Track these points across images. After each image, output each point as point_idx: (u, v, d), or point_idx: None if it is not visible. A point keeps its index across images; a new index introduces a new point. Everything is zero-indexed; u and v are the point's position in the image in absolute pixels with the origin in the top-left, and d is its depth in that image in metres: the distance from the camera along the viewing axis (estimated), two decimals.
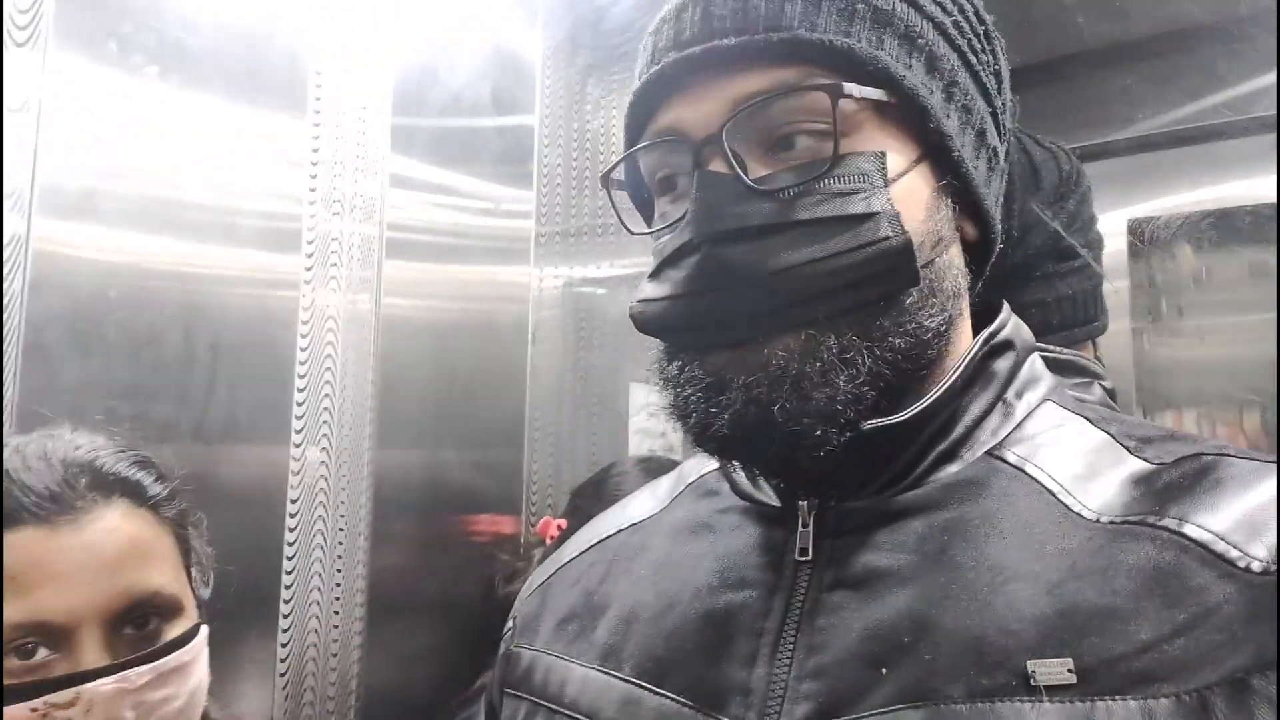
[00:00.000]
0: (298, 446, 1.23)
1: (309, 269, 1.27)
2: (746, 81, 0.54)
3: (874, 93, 0.53)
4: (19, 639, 0.68)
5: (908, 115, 0.55)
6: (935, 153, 0.56)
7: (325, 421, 1.28)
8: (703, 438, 0.54)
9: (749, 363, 0.52)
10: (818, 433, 0.51)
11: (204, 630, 0.79)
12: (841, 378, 0.51)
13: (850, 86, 0.53)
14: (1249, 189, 1.56)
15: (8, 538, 0.69)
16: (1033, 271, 0.85)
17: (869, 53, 0.54)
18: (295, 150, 1.25)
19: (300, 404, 1.24)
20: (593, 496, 1.41)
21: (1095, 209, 0.92)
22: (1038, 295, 0.86)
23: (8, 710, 0.67)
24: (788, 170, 0.54)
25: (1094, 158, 0.96)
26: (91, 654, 0.70)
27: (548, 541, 1.42)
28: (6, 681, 0.67)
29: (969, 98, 0.58)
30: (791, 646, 0.51)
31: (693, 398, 0.54)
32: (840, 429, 0.51)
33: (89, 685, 0.68)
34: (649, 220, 0.65)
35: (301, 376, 1.25)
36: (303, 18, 1.26)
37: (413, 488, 1.42)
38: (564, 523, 1.43)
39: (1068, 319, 0.87)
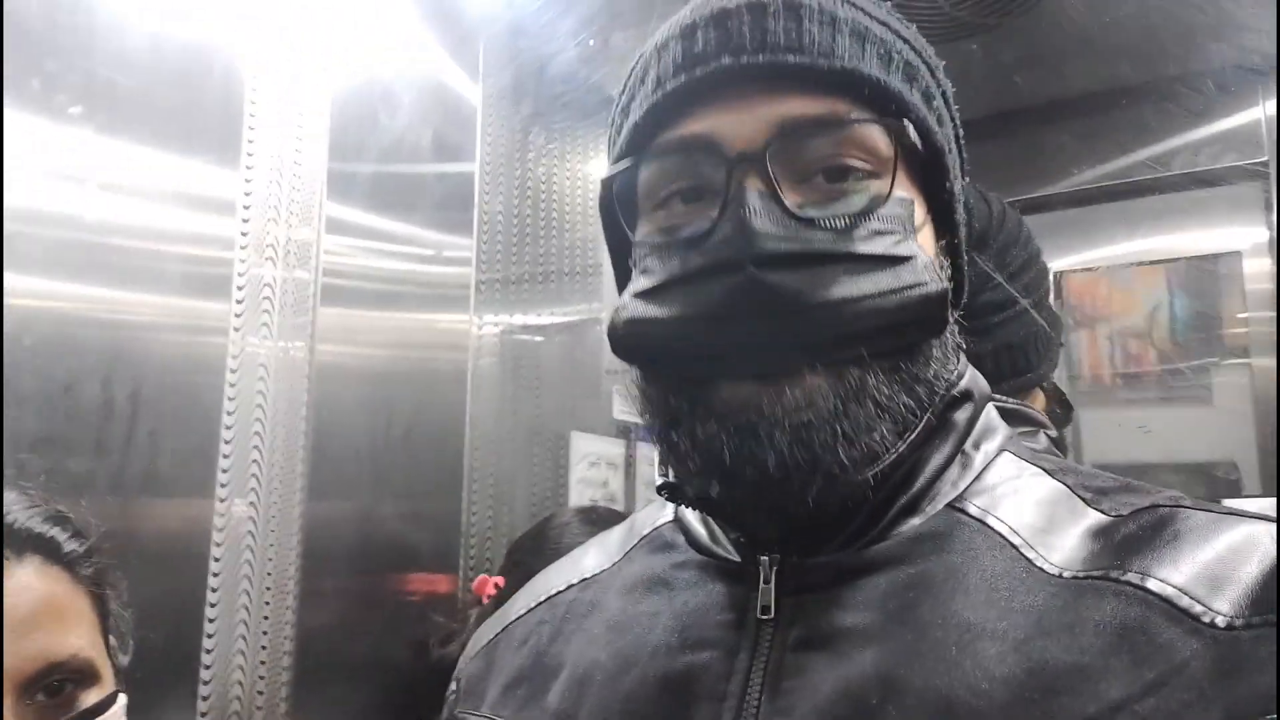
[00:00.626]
0: (223, 501, 1.18)
1: (239, 315, 1.22)
2: (796, 103, 0.52)
3: (917, 141, 0.53)
4: None
5: (927, 172, 0.55)
6: (940, 211, 0.56)
7: (254, 474, 1.22)
8: (734, 480, 0.50)
9: (789, 399, 0.49)
10: (857, 478, 0.49)
11: (122, 699, 0.74)
12: (885, 424, 0.49)
13: (910, 129, 0.52)
14: (1179, 242, 1.64)
15: None
16: (975, 321, 0.86)
17: (912, 99, 0.53)
18: (227, 194, 1.21)
19: (227, 455, 1.19)
20: (532, 550, 1.38)
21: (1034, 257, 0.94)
22: (976, 347, 0.87)
23: None
24: (828, 202, 0.52)
25: (1033, 210, 0.98)
26: None
27: (484, 600, 1.38)
28: None
29: (956, 166, 0.59)
30: (755, 710, 0.49)
31: (719, 435, 0.50)
32: (874, 474, 0.49)
33: None
34: (627, 240, 0.61)
35: (229, 427, 1.20)
36: (238, 58, 1.24)
37: (345, 542, 1.36)
38: (501, 580, 1.39)
39: (1005, 368, 0.88)
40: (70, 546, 0.73)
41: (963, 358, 0.60)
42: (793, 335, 0.49)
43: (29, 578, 0.69)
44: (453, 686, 0.69)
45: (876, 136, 0.52)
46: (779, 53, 0.51)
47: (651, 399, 0.55)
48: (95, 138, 1.06)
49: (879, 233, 0.51)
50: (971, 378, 0.59)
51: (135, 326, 1.10)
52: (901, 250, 0.51)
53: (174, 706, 1.10)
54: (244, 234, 1.23)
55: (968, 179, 0.62)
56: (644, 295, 0.54)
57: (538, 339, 1.79)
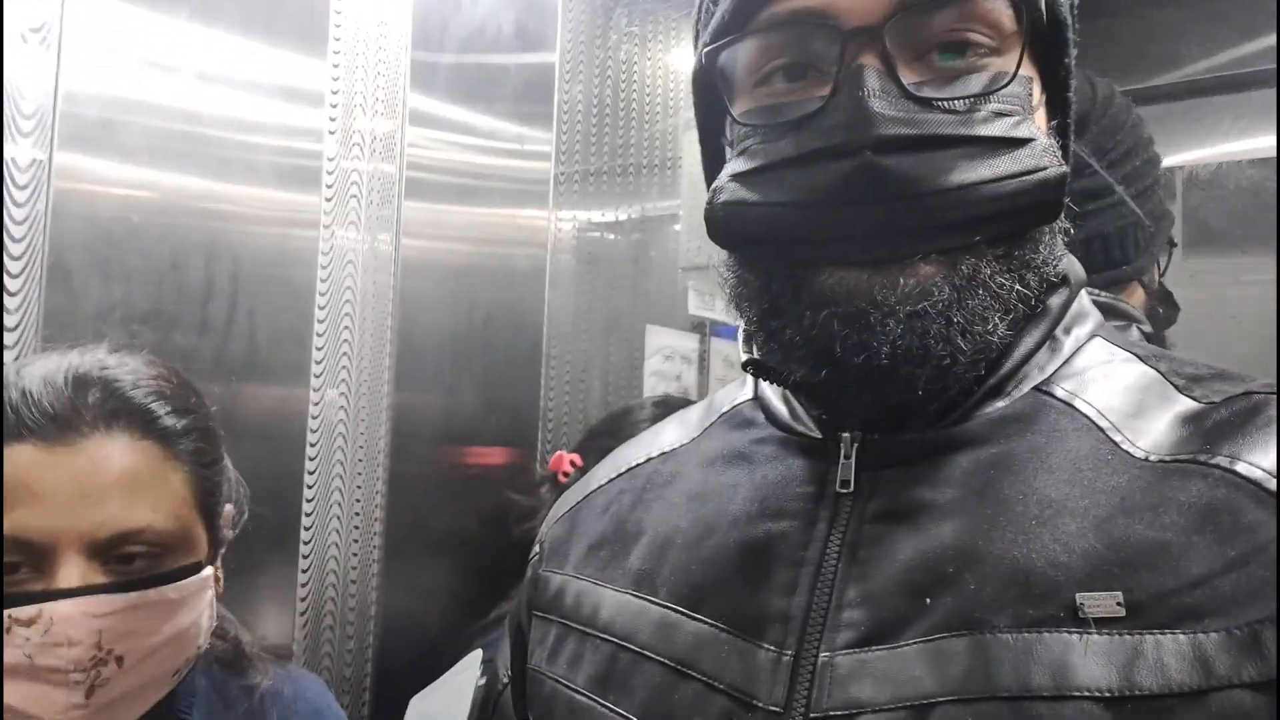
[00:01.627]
0: (316, 390, 1.23)
1: (329, 208, 1.26)
2: None
3: (1043, 13, 0.50)
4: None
5: (1044, 48, 0.53)
6: (1055, 89, 0.54)
7: (344, 364, 1.27)
8: (843, 368, 0.49)
9: (903, 286, 0.48)
10: (967, 369, 0.48)
11: (206, 571, 0.76)
12: (997, 313, 0.48)
13: (1038, 3, 0.49)
14: None
15: (8, 450, 0.68)
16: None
17: None
18: (314, 85, 1.23)
19: (320, 345, 1.24)
20: (608, 434, 1.41)
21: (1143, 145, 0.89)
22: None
23: None
24: (948, 81, 0.50)
25: (1138, 102, 0.94)
26: (65, 577, 0.68)
27: (561, 478, 1.43)
28: None
29: (1075, 34, 0.56)
30: (832, 576, 0.51)
31: (829, 323, 0.49)
32: (985, 364, 0.48)
33: (50, 604, 0.67)
34: (721, 122, 0.59)
35: (321, 320, 1.24)
36: None
37: (431, 427, 1.42)
38: (577, 458, 1.43)
39: (1096, 259, 0.85)
40: (167, 422, 0.75)
41: (1061, 242, 0.59)
42: (908, 222, 0.48)
43: (111, 449, 0.71)
44: (536, 549, 0.72)
45: (1001, 9, 0.49)
46: None
47: (749, 284, 0.54)
48: (189, 26, 1.08)
49: (999, 114, 0.49)
50: (1068, 262, 0.58)
51: (231, 217, 1.13)
52: (1021, 132, 0.49)
53: (277, 570, 1.18)
54: (331, 128, 1.25)
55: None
56: (746, 177, 0.53)
57: (614, 235, 1.80)
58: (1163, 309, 0.92)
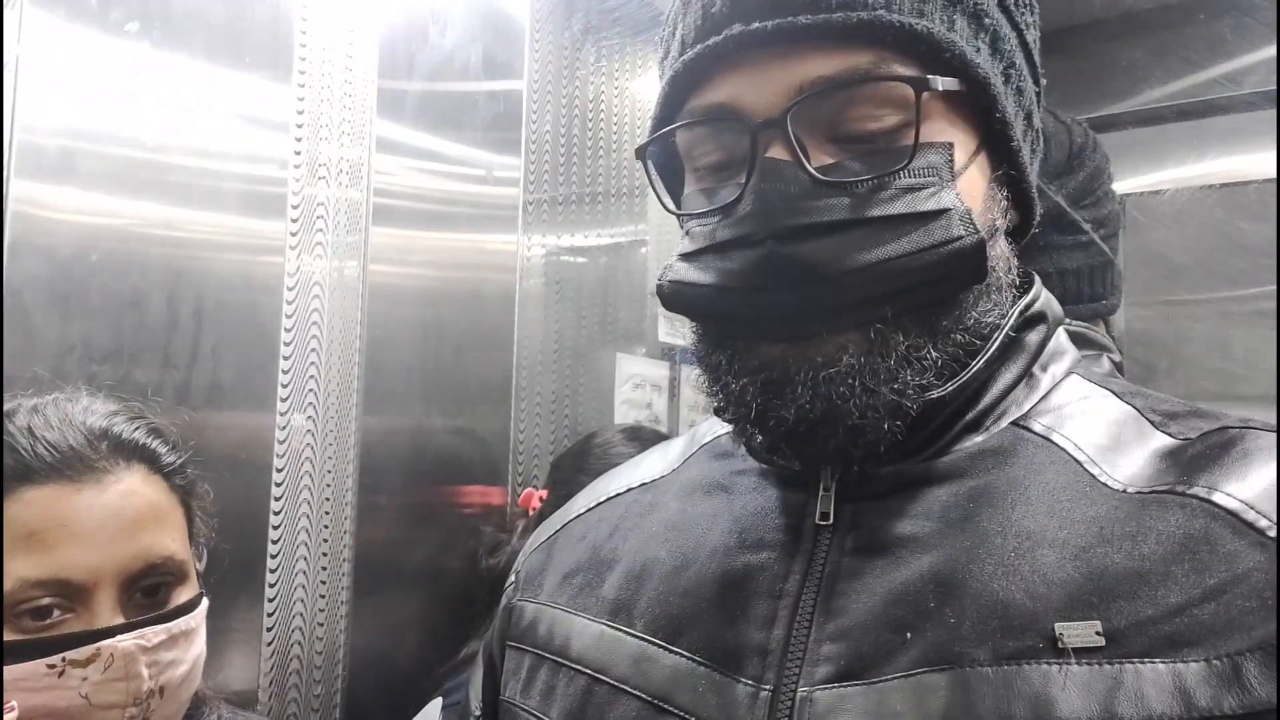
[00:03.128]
0: (283, 415, 1.22)
1: (294, 234, 1.24)
2: (815, 64, 0.50)
3: (952, 84, 0.51)
4: (36, 596, 0.67)
5: (972, 103, 0.53)
6: (993, 141, 0.55)
7: (311, 389, 1.26)
8: (762, 429, 0.53)
9: (814, 357, 0.50)
10: (884, 427, 0.50)
11: (205, 602, 0.79)
12: (909, 373, 0.50)
13: (935, 80, 0.50)
14: (1251, 164, 1.57)
15: (29, 494, 0.69)
16: (1036, 240, 0.85)
17: (945, 37, 0.51)
18: (280, 113, 1.22)
19: (286, 371, 1.22)
20: (574, 468, 1.41)
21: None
22: (1039, 266, 0.85)
23: (21, 668, 0.65)
24: (856, 161, 0.51)
25: (1098, 130, 0.96)
26: (107, 614, 0.69)
27: (530, 513, 1.42)
28: (20, 638, 0.66)
29: (1022, 78, 0.57)
30: (811, 609, 0.51)
31: (749, 389, 0.52)
32: (903, 421, 0.50)
33: (108, 641, 0.68)
34: (676, 196, 0.62)
35: (287, 344, 1.23)
36: None
37: (399, 455, 1.40)
38: (545, 494, 1.42)
39: (1070, 294, 0.87)
40: (169, 458, 0.79)
41: (1037, 280, 0.59)
42: (816, 301, 0.50)
43: (136, 484, 0.74)
44: (512, 578, 0.72)
45: (898, 89, 0.50)
46: (793, 12, 0.50)
47: (699, 349, 0.58)
48: (152, 54, 1.07)
49: (910, 189, 0.50)
50: (1046, 300, 0.58)
51: (195, 245, 1.12)
52: (931, 205, 0.50)
53: (242, 607, 1.15)
54: (297, 152, 1.24)
55: (1044, 82, 0.60)
56: (687, 258, 0.56)
57: (583, 260, 1.80)
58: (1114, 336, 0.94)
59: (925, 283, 0.50)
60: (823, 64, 0.50)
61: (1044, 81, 0.60)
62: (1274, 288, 1.52)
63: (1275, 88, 1.51)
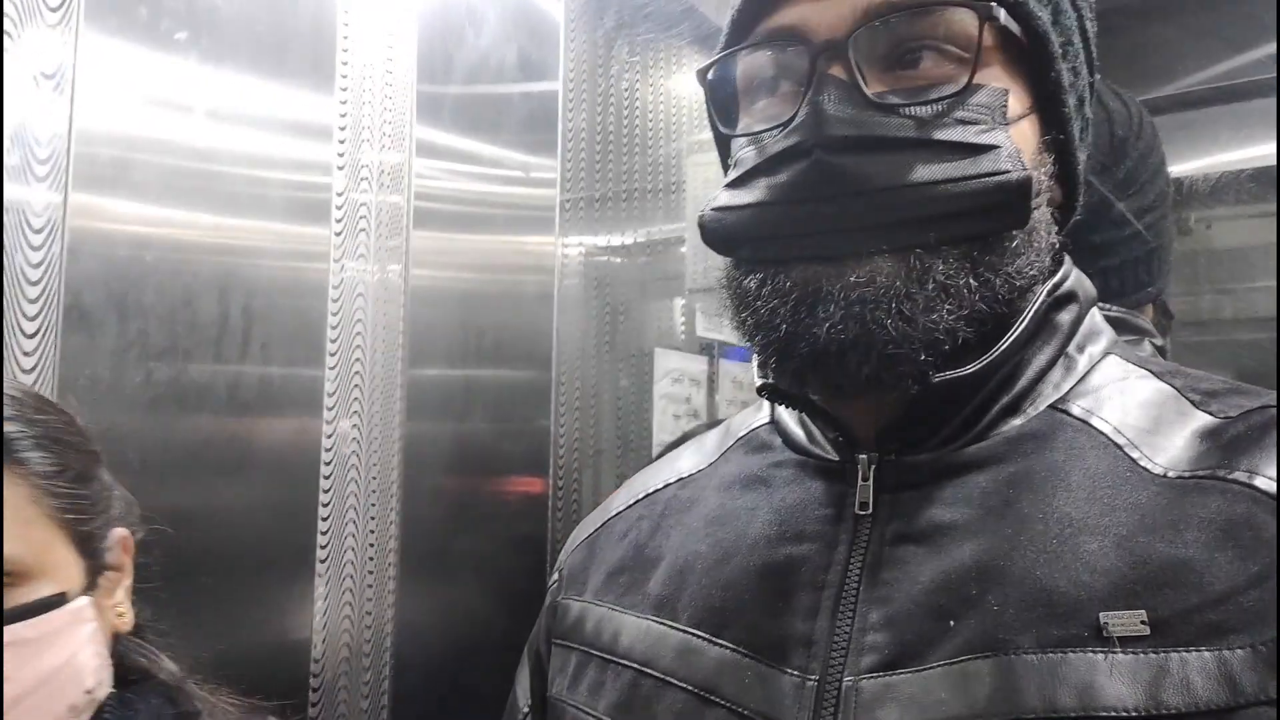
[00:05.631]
0: (329, 423, 1.24)
1: (338, 239, 1.27)
2: None
3: (1013, 25, 0.52)
4: None
5: (1030, 61, 0.54)
6: (1046, 106, 0.55)
7: (356, 395, 1.28)
8: (789, 352, 0.51)
9: (849, 277, 0.49)
10: (920, 358, 0.49)
11: (78, 603, 0.66)
12: (946, 306, 0.49)
13: (999, 11, 0.50)
14: None
15: None
16: (1088, 239, 0.84)
17: None
18: (323, 119, 1.24)
19: (331, 378, 1.25)
20: None
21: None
22: (1087, 262, 0.84)
23: None
24: (912, 88, 0.51)
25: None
26: None
27: None
28: None
29: (1078, 60, 0.57)
30: (854, 599, 0.51)
31: (779, 310, 0.51)
32: (936, 360, 0.49)
33: None
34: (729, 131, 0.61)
35: (333, 354, 1.25)
36: None
37: (443, 456, 1.42)
38: None
39: (1114, 287, 0.86)
40: (32, 455, 0.67)
41: (1067, 259, 0.59)
42: (859, 218, 0.50)
43: None
44: (555, 576, 0.73)
45: (966, 21, 0.50)
46: None
47: (731, 283, 0.57)
48: (199, 66, 1.10)
49: (963, 121, 0.50)
50: (1077, 279, 0.58)
51: (243, 252, 1.14)
52: (984, 139, 0.50)
53: (292, 606, 1.18)
54: (340, 158, 1.26)
55: (1098, 75, 0.60)
56: (732, 185, 0.55)
57: (620, 259, 1.81)
58: (1163, 318, 0.92)
59: (967, 212, 0.50)
60: None
61: (1099, 76, 0.60)
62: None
63: (1275, 78, 1.48)
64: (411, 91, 1.37)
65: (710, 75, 0.59)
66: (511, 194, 1.58)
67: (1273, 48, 1.53)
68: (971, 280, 0.50)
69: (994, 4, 0.50)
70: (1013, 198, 0.50)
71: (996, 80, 0.52)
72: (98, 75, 1.00)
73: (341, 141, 1.27)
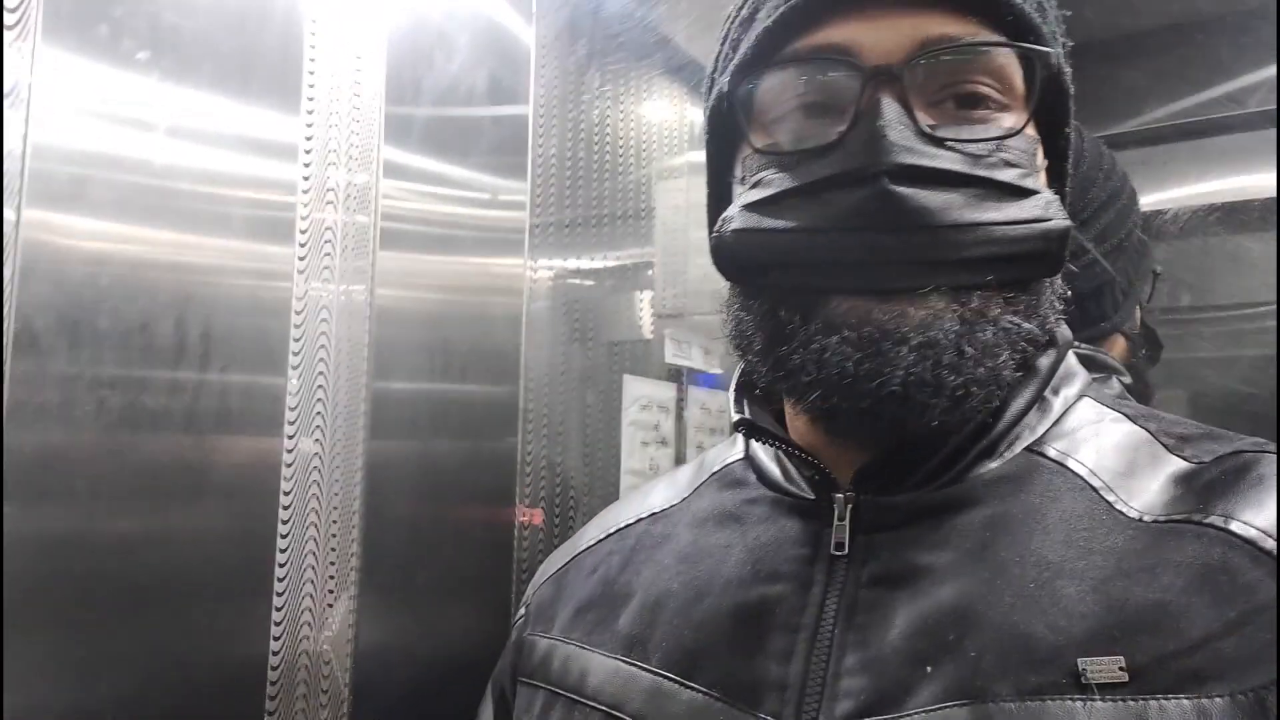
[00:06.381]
0: (290, 439, 1.21)
1: (302, 259, 1.25)
2: (936, 23, 0.50)
3: (1060, 72, 0.52)
4: None
5: (1047, 116, 0.54)
6: (1056, 155, 0.55)
7: (319, 412, 1.26)
8: (853, 394, 0.49)
9: (913, 316, 0.48)
10: (978, 402, 0.49)
11: None
12: (1005, 348, 0.48)
13: (1054, 58, 0.51)
14: (1253, 182, 1.58)
15: None
16: None
17: (1049, 31, 0.52)
18: (289, 138, 1.23)
19: (294, 395, 1.22)
20: None
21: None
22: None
23: None
24: (960, 125, 0.50)
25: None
26: None
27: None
28: None
29: (1072, 112, 0.58)
30: (829, 643, 0.50)
31: (840, 347, 0.48)
32: (991, 401, 0.49)
33: None
34: (731, 151, 0.59)
35: (295, 368, 1.23)
36: (296, 1, 1.24)
37: (407, 478, 1.40)
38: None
39: (1074, 320, 0.86)
40: None
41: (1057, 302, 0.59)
42: (921, 253, 0.48)
43: None
44: (521, 611, 0.71)
45: (1014, 66, 0.51)
46: None
47: (754, 313, 0.54)
48: (161, 84, 1.07)
49: (1009, 164, 0.50)
50: (1054, 323, 0.58)
51: (204, 270, 1.12)
52: (1028, 183, 0.50)
53: (250, 626, 1.15)
54: (305, 178, 1.24)
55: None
56: (758, 205, 0.52)
57: (590, 282, 1.80)
58: (1146, 349, 0.92)
59: (1018, 256, 0.49)
60: (946, 24, 0.50)
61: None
62: (1274, 305, 1.52)
63: (1276, 107, 1.52)
64: (379, 113, 1.36)
65: (731, 89, 0.56)
66: (481, 216, 1.57)
67: (1228, 87, 1.57)
68: (1022, 323, 0.49)
69: (1050, 51, 0.50)
70: (1054, 246, 0.49)
71: (1029, 130, 0.52)
72: (55, 91, 0.97)
73: (307, 164, 1.25)
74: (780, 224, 0.50)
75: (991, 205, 0.48)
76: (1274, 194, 1.52)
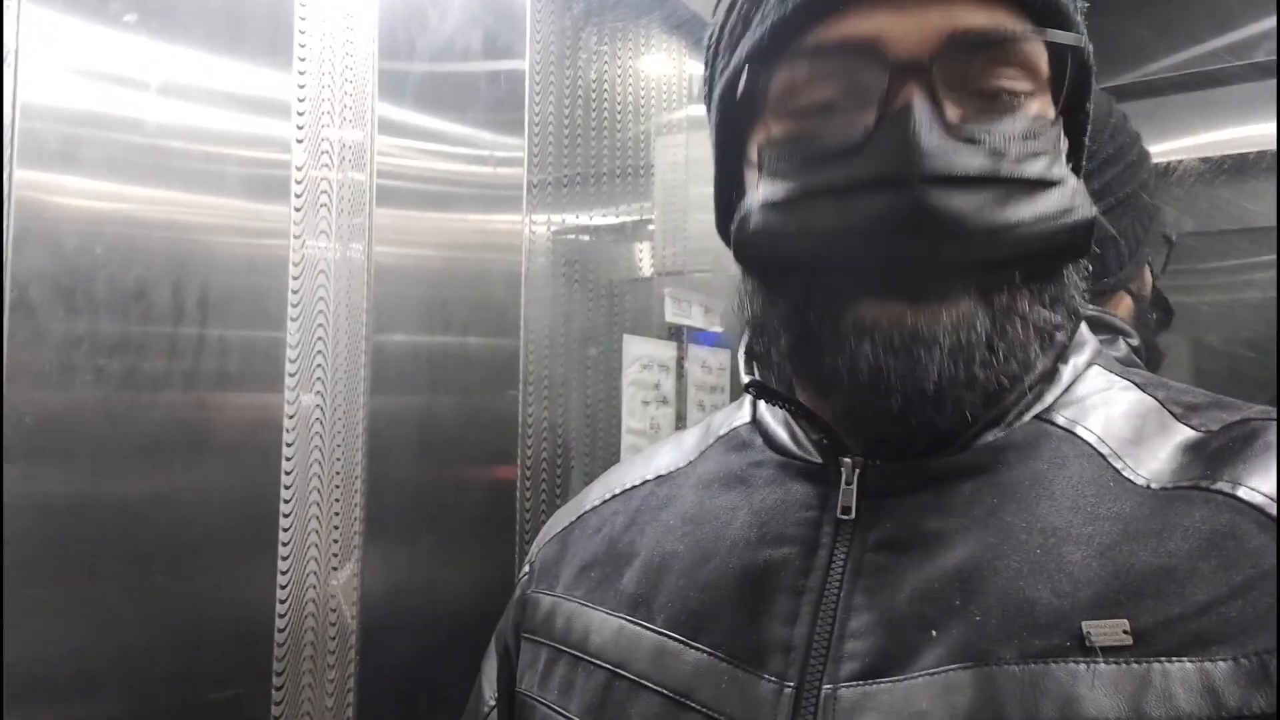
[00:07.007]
0: (291, 390, 1.22)
1: (298, 217, 1.24)
2: (964, 13, 0.48)
3: (1091, 58, 0.51)
4: None
5: (1071, 93, 0.53)
6: (1074, 132, 0.55)
7: (320, 369, 1.26)
8: (882, 396, 0.49)
9: (943, 319, 0.47)
10: (1017, 392, 0.49)
11: None
12: (1035, 343, 0.49)
13: (1086, 49, 0.49)
14: (1252, 133, 1.57)
15: None
16: None
17: (1073, 17, 0.51)
18: (281, 95, 1.21)
19: (293, 353, 1.22)
20: None
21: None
22: None
23: None
24: (984, 118, 0.49)
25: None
26: None
27: None
28: None
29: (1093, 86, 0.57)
30: (835, 605, 0.51)
31: (871, 351, 0.48)
32: (1026, 392, 0.49)
33: None
34: (739, 142, 0.57)
35: (294, 326, 1.23)
36: None
37: (407, 434, 1.41)
38: None
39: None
40: None
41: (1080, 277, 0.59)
42: (953, 257, 0.47)
43: None
44: (525, 569, 0.72)
45: (1040, 52, 0.49)
46: None
47: (779, 311, 0.53)
48: (152, 43, 1.05)
49: (1036, 155, 0.49)
50: (1078, 302, 0.58)
51: (200, 229, 1.11)
52: (1055, 174, 0.49)
53: (256, 582, 1.16)
54: (299, 135, 1.23)
55: None
56: (781, 204, 0.51)
57: (588, 239, 1.79)
58: (1156, 314, 0.92)
59: (1047, 251, 0.49)
60: (972, 14, 0.49)
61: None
62: (1274, 270, 1.52)
63: (1276, 59, 1.50)
64: (373, 70, 1.34)
65: (748, 72, 0.54)
66: (478, 173, 1.55)
67: (1232, 38, 1.55)
68: (1051, 315, 0.49)
69: (1081, 44, 0.49)
70: (1080, 237, 0.49)
71: (1051, 111, 0.52)
72: (43, 52, 0.95)
73: (300, 123, 1.23)
74: (808, 226, 0.50)
75: (1022, 202, 0.47)
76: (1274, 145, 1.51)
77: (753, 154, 0.56)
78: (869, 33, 0.49)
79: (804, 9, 0.50)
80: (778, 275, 0.53)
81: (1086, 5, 0.55)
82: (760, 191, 0.53)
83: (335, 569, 1.27)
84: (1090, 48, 0.52)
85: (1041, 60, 0.50)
